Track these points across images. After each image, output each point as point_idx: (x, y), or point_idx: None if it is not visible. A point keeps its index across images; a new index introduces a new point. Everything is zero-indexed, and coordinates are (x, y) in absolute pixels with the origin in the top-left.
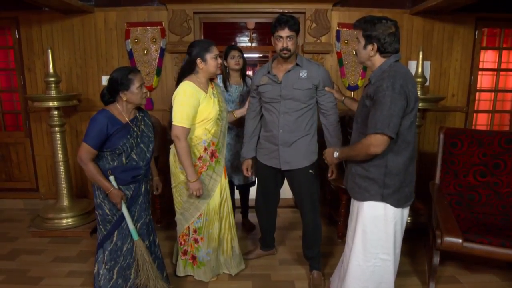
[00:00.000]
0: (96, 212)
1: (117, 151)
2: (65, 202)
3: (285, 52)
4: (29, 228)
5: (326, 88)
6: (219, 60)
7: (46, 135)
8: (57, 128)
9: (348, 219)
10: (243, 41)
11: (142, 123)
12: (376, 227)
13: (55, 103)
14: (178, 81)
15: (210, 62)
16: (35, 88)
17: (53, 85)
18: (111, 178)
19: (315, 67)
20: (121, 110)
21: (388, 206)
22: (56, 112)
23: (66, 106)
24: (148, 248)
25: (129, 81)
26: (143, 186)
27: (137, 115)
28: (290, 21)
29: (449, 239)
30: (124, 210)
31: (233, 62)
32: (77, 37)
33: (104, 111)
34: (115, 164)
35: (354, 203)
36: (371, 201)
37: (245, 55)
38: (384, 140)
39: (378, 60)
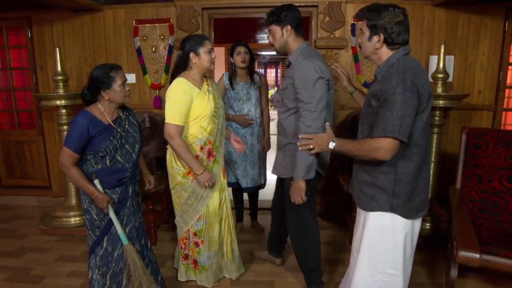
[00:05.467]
0: (84, 217)
1: (100, 154)
2: (74, 201)
3: (274, 48)
4: (38, 225)
5: (339, 70)
6: (213, 55)
7: (57, 134)
8: (65, 127)
9: (354, 228)
10: (263, 38)
11: (127, 122)
12: (383, 239)
13: (63, 102)
14: (172, 78)
15: (203, 56)
16: (47, 87)
17: (61, 83)
18: (96, 182)
19: (300, 64)
20: (103, 110)
21: (397, 217)
22: (64, 111)
23: (74, 104)
24: (140, 253)
25: (111, 78)
26: (131, 188)
27: (121, 114)
28: (267, 16)
29: (464, 253)
30: (112, 214)
31: (239, 59)
32: (86, 35)
33: (84, 112)
34: (99, 167)
35: (360, 212)
36: (378, 211)
37: (266, 53)
38: (395, 145)
39: (385, 53)
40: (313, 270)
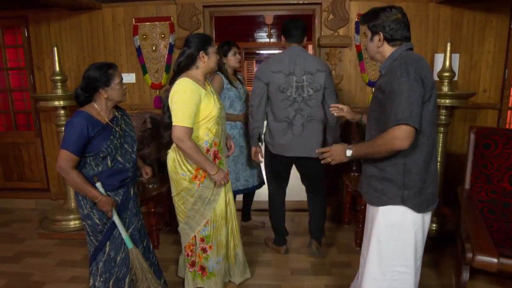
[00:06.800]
0: (84, 223)
1: (101, 154)
2: (73, 203)
3: None
4: (37, 229)
5: (331, 109)
6: (217, 55)
7: (56, 135)
8: (63, 128)
9: (364, 227)
10: (262, 36)
11: (123, 122)
12: (392, 235)
13: (61, 102)
14: (175, 77)
15: (212, 56)
16: (45, 87)
17: (59, 83)
18: (98, 184)
19: None
20: (100, 110)
21: (408, 211)
22: (62, 112)
23: (72, 105)
24: (143, 255)
25: (109, 76)
26: (132, 190)
27: (116, 114)
28: None
29: (482, 258)
30: (116, 217)
31: (235, 59)
32: (85, 34)
33: (81, 113)
34: (100, 169)
35: (369, 209)
36: (389, 205)
37: (265, 52)
38: (409, 131)
39: (387, 50)
40: (272, 227)
